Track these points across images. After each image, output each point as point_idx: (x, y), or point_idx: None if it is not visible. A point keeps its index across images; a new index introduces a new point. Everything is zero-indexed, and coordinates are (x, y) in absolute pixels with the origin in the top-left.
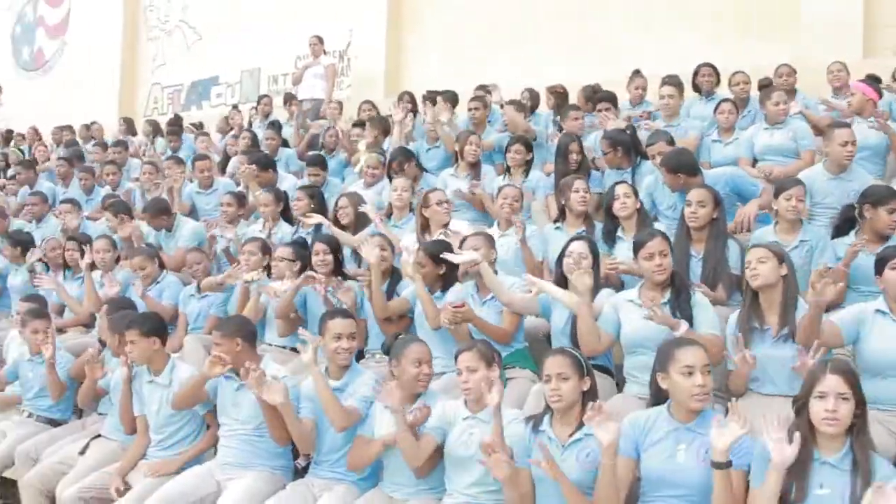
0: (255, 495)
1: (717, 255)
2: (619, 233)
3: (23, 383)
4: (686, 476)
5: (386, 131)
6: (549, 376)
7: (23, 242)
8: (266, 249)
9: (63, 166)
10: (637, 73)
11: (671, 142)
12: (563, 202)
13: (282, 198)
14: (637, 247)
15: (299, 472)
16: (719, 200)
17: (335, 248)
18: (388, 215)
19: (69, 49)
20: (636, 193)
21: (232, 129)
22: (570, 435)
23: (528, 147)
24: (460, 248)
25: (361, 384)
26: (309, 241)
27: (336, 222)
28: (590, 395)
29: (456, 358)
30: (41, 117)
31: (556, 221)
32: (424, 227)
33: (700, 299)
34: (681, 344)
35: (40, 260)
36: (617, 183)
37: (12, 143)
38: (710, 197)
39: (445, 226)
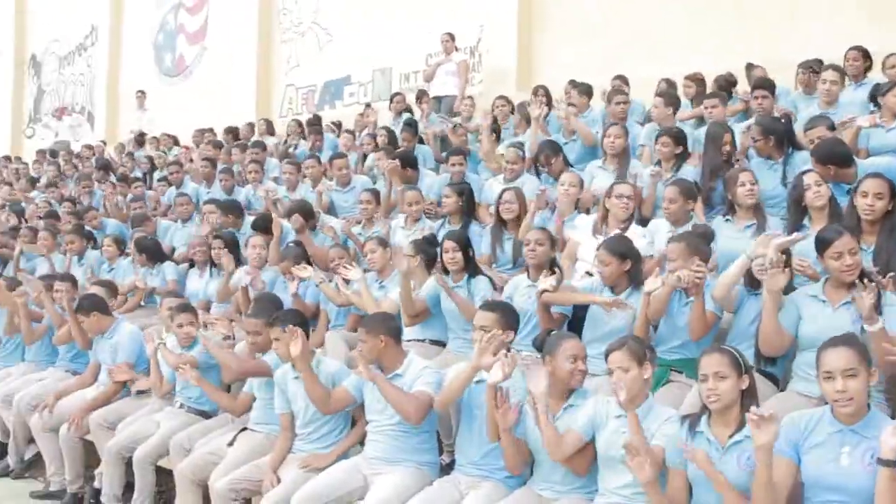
0: (402, 491)
1: (891, 249)
2: (806, 221)
3: (176, 374)
4: (850, 481)
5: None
6: (705, 375)
7: (147, 249)
8: (386, 245)
9: (206, 167)
10: (751, 66)
11: (832, 127)
12: (728, 196)
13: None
14: (822, 245)
15: (445, 469)
16: (895, 192)
17: (465, 244)
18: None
19: (208, 54)
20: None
21: (366, 127)
22: (730, 436)
23: (677, 140)
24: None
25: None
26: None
27: (498, 216)
28: (749, 394)
29: (606, 356)
30: (182, 121)
31: (725, 214)
32: (604, 218)
33: (892, 299)
34: (825, 346)
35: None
36: (744, 170)
37: (158, 146)
38: (888, 188)
39: (626, 222)
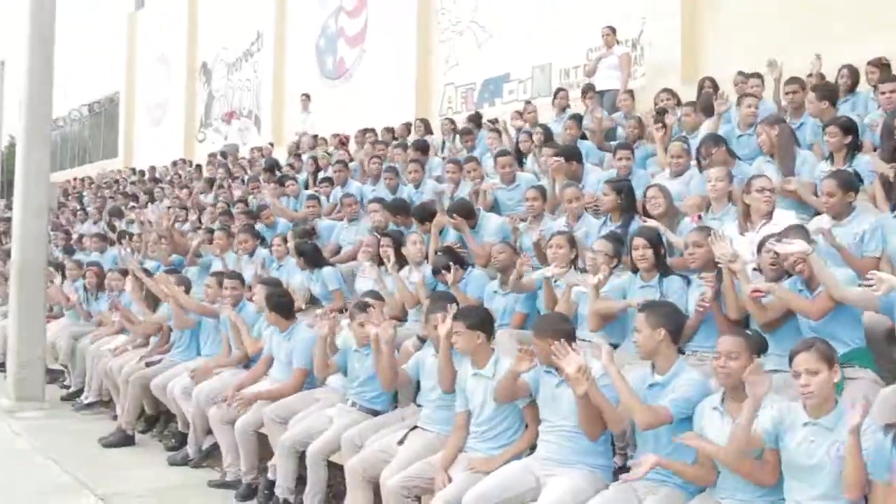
0: (577, 494)
1: None
2: None
3: (349, 373)
4: None
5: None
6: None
7: (306, 254)
8: (573, 243)
9: (376, 164)
10: None
11: None
12: None
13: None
14: None
15: (618, 473)
16: None
17: (655, 241)
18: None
19: (367, 56)
20: None
21: (525, 124)
22: None
23: (846, 129)
24: (778, 240)
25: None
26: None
27: (646, 213)
28: None
29: (791, 358)
30: (344, 122)
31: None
32: (746, 215)
33: None
34: None
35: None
36: None
37: (321, 147)
38: None
39: (769, 216)
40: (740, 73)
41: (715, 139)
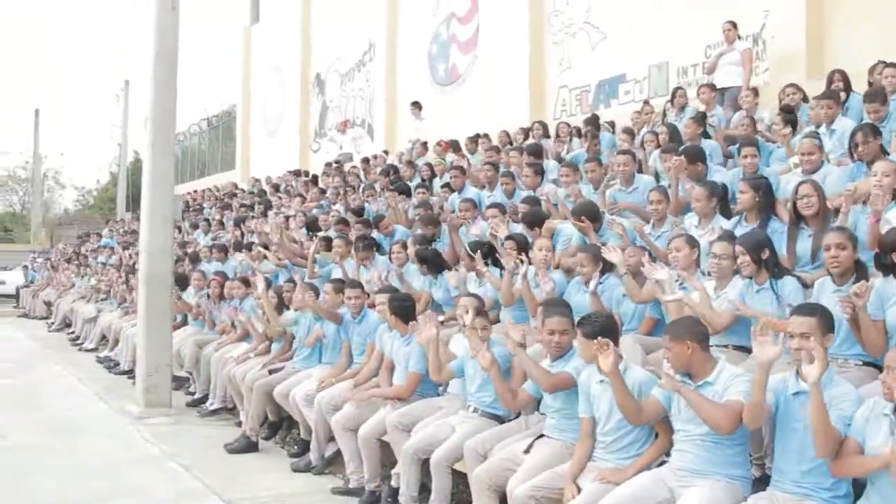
0: None
1: None
2: None
3: (466, 378)
4: None
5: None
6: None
7: (427, 260)
8: (694, 244)
9: (489, 171)
10: None
11: None
12: None
13: (717, 192)
14: None
15: (755, 484)
16: None
17: (756, 247)
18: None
19: (480, 62)
20: None
21: (644, 124)
22: None
23: None
24: None
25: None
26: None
27: (795, 212)
28: None
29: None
30: (457, 128)
31: None
32: None
33: None
34: None
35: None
36: None
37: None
38: None
39: None
40: (880, 62)
41: (872, 129)
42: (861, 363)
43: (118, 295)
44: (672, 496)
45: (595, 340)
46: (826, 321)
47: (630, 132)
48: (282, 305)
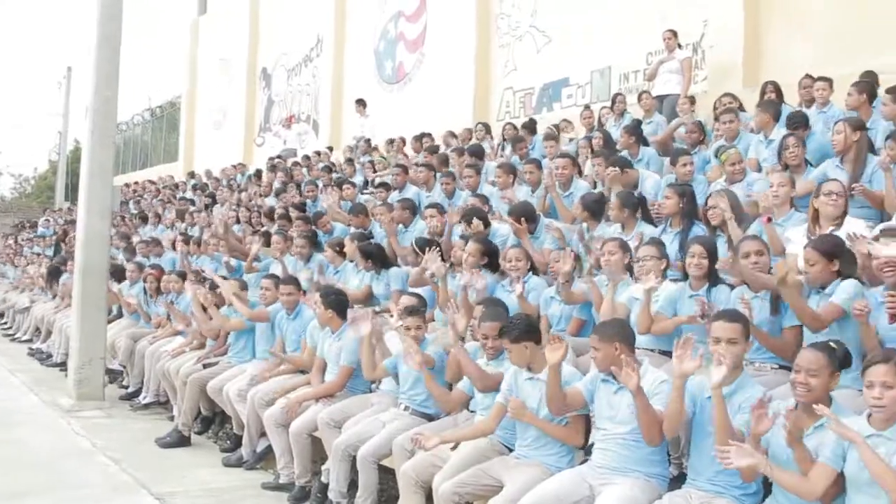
0: (631, 503)
1: None
2: None
3: (400, 377)
4: None
5: (777, 117)
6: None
7: (372, 255)
8: (626, 248)
9: (425, 172)
10: None
11: None
12: None
13: (630, 202)
14: None
15: (672, 482)
16: None
17: (713, 250)
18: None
19: (427, 61)
20: None
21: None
22: None
23: None
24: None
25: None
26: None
27: (706, 221)
28: None
29: (865, 369)
30: (402, 127)
31: None
32: (815, 220)
33: None
34: None
35: None
36: None
37: (378, 151)
38: None
39: (838, 221)
40: (807, 76)
41: (800, 139)
42: (777, 366)
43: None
44: (592, 493)
45: (523, 344)
46: (747, 328)
47: (552, 137)
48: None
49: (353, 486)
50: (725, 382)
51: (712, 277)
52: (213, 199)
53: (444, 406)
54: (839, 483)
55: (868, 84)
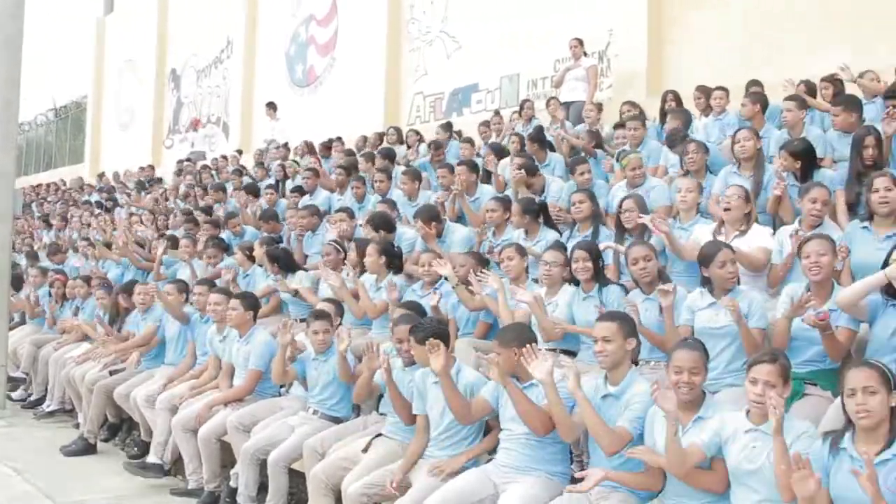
0: (532, 500)
1: None
2: None
3: (308, 381)
4: None
5: (687, 125)
6: (853, 390)
7: (279, 259)
8: (524, 253)
9: (341, 175)
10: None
11: None
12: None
13: (531, 208)
14: None
15: (575, 480)
16: None
17: (595, 254)
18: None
19: (338, 65)
20: None
21: (493, 134)
22: (877, 454)
23: (795, 156)
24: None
25: (635, 396)
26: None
27: (619, 224)
28: None
29: (751, 366)
30: (313, 131)
31: (863, 220)
32: (721, 225)
33: None
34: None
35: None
36: (880, 175)
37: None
38: None
39: (743, 225)
40: (699, 87)
41: (702, 145)
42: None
43: None
44: (496, 491)
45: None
46: (627, 326)
47: (470, 141)
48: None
49: (262, 489)
50: (613, 381)
51: (600, 279)
52: (115, 202)
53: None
54: (720, 474)
55: (760, 95)
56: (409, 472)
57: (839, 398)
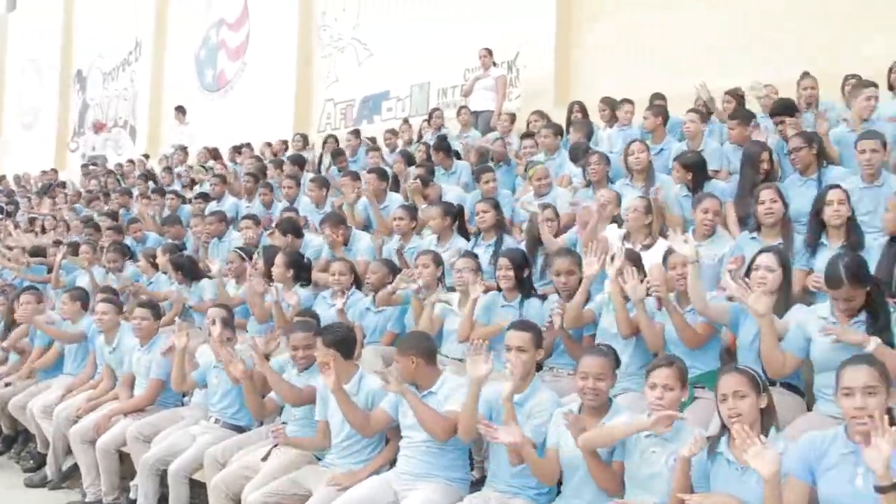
0: None
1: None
2: (824, 240)
3: (209, 388)
4: (866, 502)
5: (589, 136)
6: (724, 395)
7: (182, 267)
8: (439, 261)
9: (249, 182)
10: (806, 74)
11: (885, 143)
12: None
13: (450, 211)
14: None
15: (475, 485)
16: None
17: (520, 263)
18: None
19: (248, 70)
20: (782, 198)
21: (400, 142)
22: None
23: (686, 168)
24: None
25: (538, 405)
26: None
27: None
28: (768, 414)
29: (650, 371)
30: (222, 136)
31: (751, 231)
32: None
33: None
34: (846, 364)
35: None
36: (766, 187)
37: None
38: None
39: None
40: (604, 99)
41: (604, 157)
42: (572, 372)
43: None
44: (397, 499)
45: (333, 351)
46: (539, 337)
47: (377, 149)
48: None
49: (162, 501)
50: (518, 390)
51: (523, 288)
52: (17, 206)
53: (257, 415)
54: (618, 477)
55: (662, 108)
56: (308, 482)
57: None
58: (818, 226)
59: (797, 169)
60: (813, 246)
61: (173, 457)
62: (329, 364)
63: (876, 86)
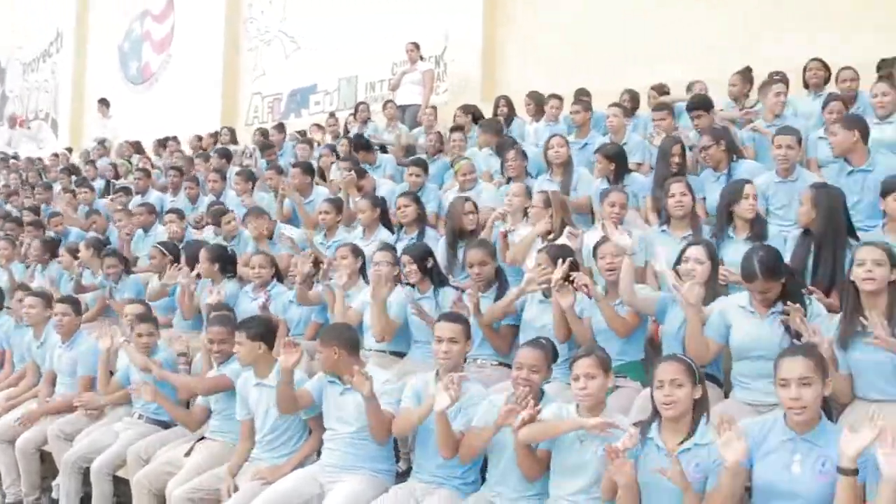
0: (357, 499)
1: (836, 260)
2: (731, 233)
3: (133, 385)
4: (801, 488)
5: (499, 132)
6: (661, 382)
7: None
8: (358, 253)
9: (174, 176)
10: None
11: (801, 140)
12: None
13: (379, 204)
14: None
15: (401, 476)
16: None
17: (420, 257)
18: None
19: (174, 62)
20: (691, 192)
21: (328, 136)
22: (680, 444)
23: (609, 158)
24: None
25: (468, 399)
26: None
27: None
28: (701, 404)
29: (572, 363)
30: (147, 129)
31: (661, 225)
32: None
33: (817, 308)
34: (783, 354)
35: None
36: (676, 181)
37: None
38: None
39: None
40: (530, 93)
41: (522, 152)
42: (497, 363)
43: None
44: (322, 491)
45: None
46: (468, 329)
47: (309, 143)
48: None
49: (86, 499)
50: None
51: (433, 278)
52: None
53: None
54: (544, 466)
55: (588, 103)
56: (236, 477)
57: (647, 389)
58: (727, 218)
59: (709, 165)
60: (720, 238)
61: (96, 454)
62: (294, 343)
63: (785, 82)
